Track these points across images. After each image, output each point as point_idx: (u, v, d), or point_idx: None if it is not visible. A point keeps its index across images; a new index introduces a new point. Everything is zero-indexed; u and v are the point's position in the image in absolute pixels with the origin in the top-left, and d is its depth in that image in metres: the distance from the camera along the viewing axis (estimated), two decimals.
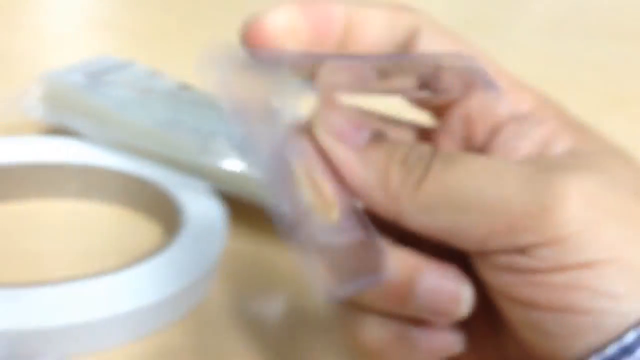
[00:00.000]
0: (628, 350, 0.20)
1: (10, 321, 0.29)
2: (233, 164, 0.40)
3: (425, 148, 0.23)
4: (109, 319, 0.31)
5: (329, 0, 0.24)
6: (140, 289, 0.32)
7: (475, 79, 0.25)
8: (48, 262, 0.37)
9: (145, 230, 0.41)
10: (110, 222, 0.41)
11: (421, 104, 0.27)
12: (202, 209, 0.39)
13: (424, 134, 0.28)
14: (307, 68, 0.24)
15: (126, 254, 0.37)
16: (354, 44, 0.25)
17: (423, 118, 0.27)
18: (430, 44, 0.25)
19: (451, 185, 0.22)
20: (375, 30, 0.25)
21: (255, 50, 0.23)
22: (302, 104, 0.23)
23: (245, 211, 0.41)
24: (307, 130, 0.24)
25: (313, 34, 0.24)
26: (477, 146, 0.25)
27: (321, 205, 0.23)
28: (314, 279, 0.21)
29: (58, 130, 0.44)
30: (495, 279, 0.22)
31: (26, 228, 0.39)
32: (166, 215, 0.40)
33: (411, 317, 0.23)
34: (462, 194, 0.22)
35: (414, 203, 0.22)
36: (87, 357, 0.31)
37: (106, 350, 0.31)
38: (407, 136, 0.28)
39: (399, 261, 0.22)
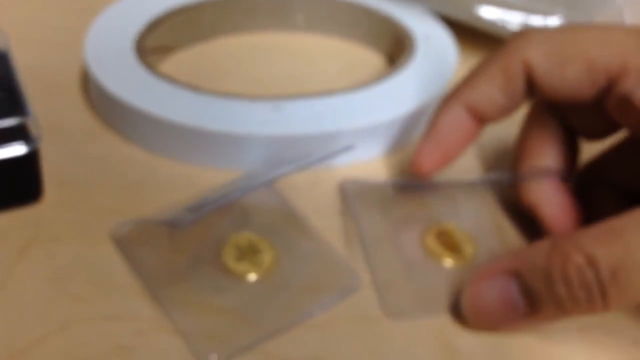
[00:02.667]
0: None
1: (274, 128, 0.32)
2: None
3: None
4: (354, 130, 0.33)
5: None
6: (380, 105, 0.34)
7: None
8: (277, 83, 0.39)
9: (370, 60, 0.42)
10: (336, 53, 0.42)
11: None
12: (430, 33, 0.40)
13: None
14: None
15: (354, 80, 0.38)
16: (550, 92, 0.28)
17: None
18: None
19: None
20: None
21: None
22: None
23: (469, 35, 0.41)
24: None
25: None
26: None
27: None
28: None
29: None
30: None
31: (258, 57, 0.41)
32: (392, 44, 0.41)
33: None
34: None
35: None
36: (342, 168, 0.33)
37: (357, 162, 0.33)
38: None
39: None
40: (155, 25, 0.38)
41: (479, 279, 0.26)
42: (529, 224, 0.30)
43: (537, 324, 0.26)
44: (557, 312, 0.24)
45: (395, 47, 0.40)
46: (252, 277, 0.27)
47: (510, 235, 0.30)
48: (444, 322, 0.26)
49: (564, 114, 0.30)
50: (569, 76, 0.27)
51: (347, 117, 0.33)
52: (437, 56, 0.38)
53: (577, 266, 0.23)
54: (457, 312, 0.27)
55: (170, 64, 0.39)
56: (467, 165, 0.34)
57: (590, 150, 0.31)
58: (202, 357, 0.24)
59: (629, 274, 0.23)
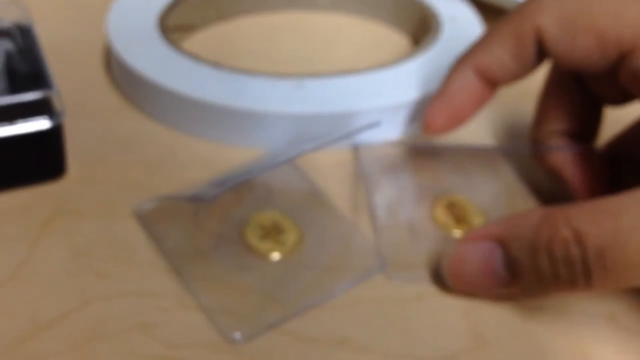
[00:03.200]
0: None
1: (297, 106, 0.31)
2: None
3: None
4: (378, 109, 0.32)
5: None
6: (404, 85, 0.33)
7: None
8: (300, 62, 0.38)
9: (395, 40, 0.41)
10: (360, 33, 0.42)
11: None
12: (456, 13, 0.39)
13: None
14: None
15: (378, 59, 0.38)
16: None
17: None
18: None
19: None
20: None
21: None
22: None
23: (495, 15, 0.40)
24: None
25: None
26: None
27: None
28: None
29: None
30: None
31: (281, 36, 0.40)
32: (417, 24, 0.40)
33: None
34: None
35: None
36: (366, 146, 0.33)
37: (381, 141, 0.33)
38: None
39: None
40: (177, 3, 0.37)
41: (464, 241, 0.25)
42: (543, 197, 0.30)
43: (518, 298, 0.26)
44: (537, 287, 0.24)
45: (420, 28, 0.40)
46: (276, 256, 0.27)
47: (523, 208, 0.30)
48: (471, 303, 0.26)
49: (583, 80, 0.29)
50: (579, 46, 0.26)
51: (371, 96, 0.32)
52: (463, 36, 0.37)
53: (564, 240, 0.22)
54: (439, 275, 0.26)
55: (193, 42, 0.39)
56: (481, 137, 0.34)
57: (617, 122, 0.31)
58: (226, 335, 0.24)
59: (616, 256, 0.22)
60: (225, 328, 0.24)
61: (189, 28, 0.39)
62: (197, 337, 0.24)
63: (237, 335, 0.24)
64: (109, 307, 0.24)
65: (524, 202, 0.30)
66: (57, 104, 0.27)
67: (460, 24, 0.38)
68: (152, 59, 0.33)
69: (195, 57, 0.33)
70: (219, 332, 0.24)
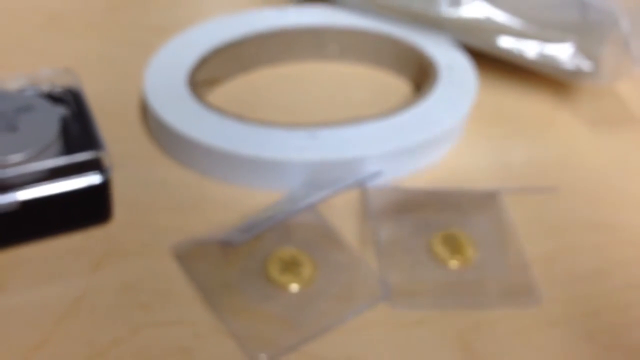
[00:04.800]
0: None
1: (310, 154, 0.36)
2: (476, 12, 0.43)
3: None
4: (382, 155, 0.36)
5: None
6: (406, 131, 0.38)
7: None
8: (313, 110, 0.43)
9: (398, 87, 0.45)
10: (366, 80, 0.46)
11: None
12: (453, 61, 0.43)
13: None
14: None
15: (383, 106, 0.42)
16: None
17: None
18: None
19: None
20: None
21: None
22: None
23: (489, 63, 0.45)
24: None
25: None
26: None
27: None
28: None
29: None
30: None
31: (296, 86, 0.45)
32: (418, 71, 0.44)
33: None
34: None
35: None
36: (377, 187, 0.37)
37: (386, 183, 0.37)
38: None
39: None
40: (204, 61, 0.42)
41: None
42: (530, 232, 0.34)
43: None
44: None
45: (421, 74, 0.44)
46: (294, 287, 0.31)
47: (512, 241, 0.34)
48: (465, 324, 0.30)
49: None
50: None
51: (376, 143, 0.37)
52: (459, 83, 0.41)
53: None
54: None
55: (218, 94, 0.43)
56: (474, 179, 0.38)
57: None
58: (252, 356, 0.28)
59: None
60: (252, 350, 0.28)
61: (214, 81, 0.43)
62: (227, 358, 0.28)
63: (263, 357, 0.28)
64: (153, 334, 0.29)
65: (513, 236, 0.34)
66: (106, 161, 0.32)
67: (456, 71, 0.42)
68: (183, 113, 0.38)
69: (220, 110, 0.38)
70: (247, 354, 0.28)
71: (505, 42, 0.43)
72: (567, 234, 0.35)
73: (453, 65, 0.43)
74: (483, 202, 0.36)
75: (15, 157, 0.30)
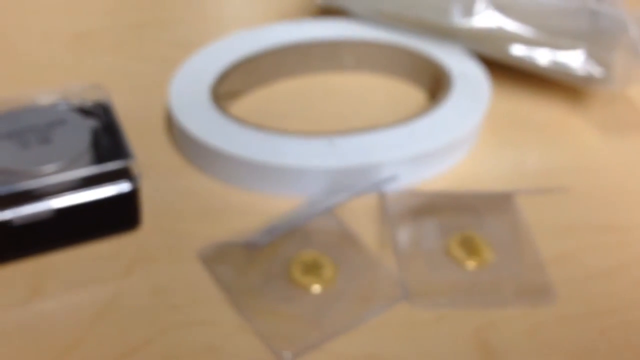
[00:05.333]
0: None
1: (329, 161, 0.37)
2: (489, 22, 0.44)
3: None
4: (398, 161, 0.38)
5: None
6: (421, 138, 0.39)
7: None
8: (331, 120, 0.44)
9: (413, 96, 0.47)
10: (382, 90, 0.47)
11: None
12: (466, 70, 0.44)
13: None
14: None
15: (399, 114, 0.43)
16: None
17: None
18: None
19: None
20: None
21: None
22: None
23: (502, 71, 0.46)
24: None
25: None
26: None
27: None
28: None
29: (326, 12, 0.51)
30: None
31: (314, 97, 0.46)
32: (432, 80, 0.46)
33: None
34: None
35: None
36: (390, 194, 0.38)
37: (403, 188, 0.38)
38: None
39: None
40: (226, 74, 0.44)
41: None
42: (545, 233, 0.35)
43: None
44: None
45: (435, 84, 0.45)
46: (316, 288, 0.32)
47: (527, 241, 0.35)
48: (482, 321, 0.31)
49: None
50: None
51: (393, 150, 0.38)
52: (473, 90, 0.43)
53: None
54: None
55: (239, 106, 0.45)
56: (489, 184, 0.39)
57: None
58: (277, 354, 0.29)
59: None
60: (277, 348, 0.29)
61: (235, 94, 0.45)
62: (253, 356, 0.29)
63: (287, 354, 0.29)
64: (182, 333, 0.30)
65: (527, 237, 0.35)
66: (134, 169, 0.33)
67: (470, 79, 0.44)
68: (206, 124, 0.39)
69: (241, 121, 0.39)
70: (272, 352, 0.29)
71: (518, 50, 0.44)
72: (581, 235, 0.36)
73: (466, 74, 0.44)
74: (498, 204, 0.37)
75: (50, 168, 0.32)
